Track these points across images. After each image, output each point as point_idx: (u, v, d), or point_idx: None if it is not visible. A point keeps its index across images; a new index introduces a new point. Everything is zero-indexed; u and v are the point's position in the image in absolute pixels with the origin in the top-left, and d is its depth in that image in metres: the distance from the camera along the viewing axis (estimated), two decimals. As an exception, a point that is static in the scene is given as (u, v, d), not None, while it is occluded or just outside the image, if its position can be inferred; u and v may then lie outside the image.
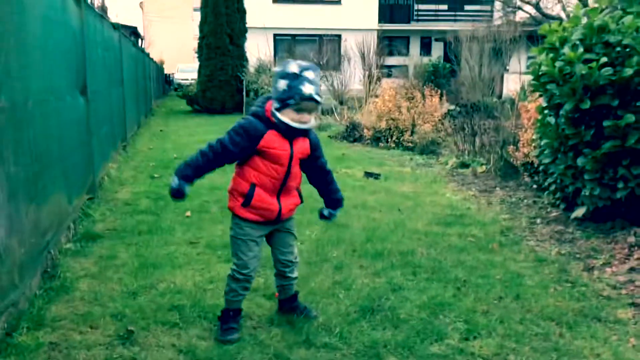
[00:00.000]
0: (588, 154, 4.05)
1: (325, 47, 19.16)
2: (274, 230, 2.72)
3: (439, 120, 9.46)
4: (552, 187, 4.91)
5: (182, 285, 3.27)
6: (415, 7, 26.37)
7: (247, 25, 17.36)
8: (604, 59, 3.82)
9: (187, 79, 26.78)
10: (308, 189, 2.82)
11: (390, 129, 9.48)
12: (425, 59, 21.73)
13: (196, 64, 18.52)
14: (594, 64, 3.83)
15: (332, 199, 2.81)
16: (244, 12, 17.18)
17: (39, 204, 3.28)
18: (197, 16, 17.83)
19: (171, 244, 4.05)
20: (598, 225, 4.31)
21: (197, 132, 11.54)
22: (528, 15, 20.57)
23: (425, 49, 26.34)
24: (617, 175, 3.96)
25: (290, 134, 2.51)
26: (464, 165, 7.32)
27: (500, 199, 5.58)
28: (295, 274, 2.84)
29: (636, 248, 3.79)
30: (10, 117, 2.83)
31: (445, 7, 26.80)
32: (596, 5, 4.38)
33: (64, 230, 3.98)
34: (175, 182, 2.48)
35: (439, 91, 10.23)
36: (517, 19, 20.86)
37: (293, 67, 2.47)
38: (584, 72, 3.88)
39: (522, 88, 10.22)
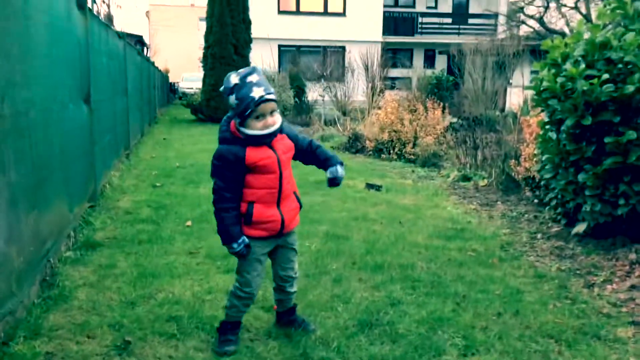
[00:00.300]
0: (589, 170, 4.04)
1: (329, 58, 19.30)
2: (277, 247, 2.71)
3: (441, 133, 9.45)
4: (553, 203, 4.90)
5: (181, 296, 3.26)
6: (420, 19, 26.52)
7: (252, 36, 17.46)
8: (606, 76, 3.83)
9: (191, 88, 26.97)
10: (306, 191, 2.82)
11: (392, 140, 9.49)
12: (429, 72, 21.79)
13: (201, 73, 18.62)
14: (595, 81, 3.84)
15: (331, 164, 2.70)
16: (249, 22, 17.29)
17: (39, 212, 3.29)
18: (203, 26, 17.94)
19: (171, 253, 4.05)
20: (599, 242, 4.29)
21: (200, 140, 11.56)
22: (532, 30, 20.69)
23: (429, 61, 26.48)
24: (618, 192, 3.95)
25: (265, 141, 2.51)
26: (466, 178, 7.31)
27: (502, 213, 5.57)
28: (294, 289, 2.83)
29: (637, 265, 3.76)
30: (13, 125, 2.84)
31: (449, 20, 26.99)
32: (599, 21, 4.40)
33: (64, 238, 3.98)
34: (235, 247, 2.53)
35: (442, 104, 10.24)
36: (521, 33, 20.95)
37: (233, 78, 2.46)
38: (585, 88, 3.88)
39: (525, 102, 10.24)
